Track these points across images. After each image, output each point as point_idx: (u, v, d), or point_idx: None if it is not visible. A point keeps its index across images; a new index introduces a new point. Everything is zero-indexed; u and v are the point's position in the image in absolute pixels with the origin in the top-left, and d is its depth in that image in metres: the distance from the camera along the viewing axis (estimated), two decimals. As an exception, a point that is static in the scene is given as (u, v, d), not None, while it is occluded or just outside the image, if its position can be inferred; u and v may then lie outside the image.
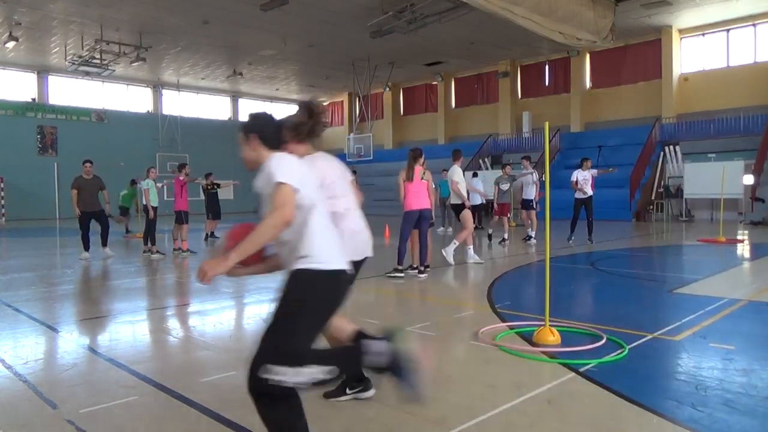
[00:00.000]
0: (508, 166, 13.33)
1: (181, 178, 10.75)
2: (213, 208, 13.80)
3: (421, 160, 7.36)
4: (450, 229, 15.40)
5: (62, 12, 18.79)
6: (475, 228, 16.03)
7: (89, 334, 4.67)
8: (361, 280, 7.33)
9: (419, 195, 7.23)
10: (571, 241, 11.35)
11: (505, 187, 12.60)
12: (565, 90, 25.79)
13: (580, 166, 11.62)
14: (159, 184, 11.16)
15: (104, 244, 10.16)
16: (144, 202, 10.76)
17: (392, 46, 22.63)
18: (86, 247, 9.85)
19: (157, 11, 18.77)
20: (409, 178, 7.24)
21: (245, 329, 5.00)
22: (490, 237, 12.48)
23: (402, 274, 7.27)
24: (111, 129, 28.69)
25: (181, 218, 10.51)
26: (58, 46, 22.80)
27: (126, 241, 13.62)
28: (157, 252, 10.27)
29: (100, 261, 9.71)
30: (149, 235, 10.34)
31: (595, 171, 11.92)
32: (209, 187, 13.79)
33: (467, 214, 8.54)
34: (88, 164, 10.15)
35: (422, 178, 7.29)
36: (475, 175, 16.03)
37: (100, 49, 21.56)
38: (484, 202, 15.49)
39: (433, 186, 7.70)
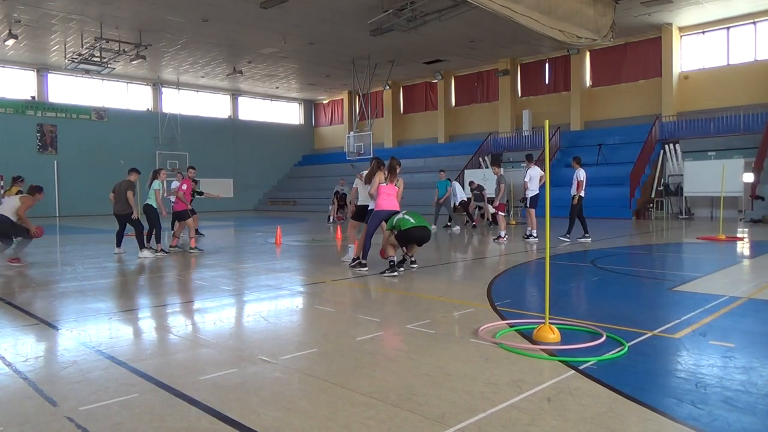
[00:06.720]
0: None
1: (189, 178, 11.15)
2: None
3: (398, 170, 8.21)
4: (457, 227, 15.40)
5: (62, 10, 18.77)
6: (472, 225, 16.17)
7: (89, 331, 4.67)
8: (361, 279, 7.35)
9: (392, 197, 7.97)
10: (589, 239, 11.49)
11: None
12: (565, 88, 25.78)
13: (577, 166, 11.66)
14: (173, 189, 11.28)
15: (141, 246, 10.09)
16: (146, 202, 10.84)
17: (392, 44, 22.62)
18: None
19: (157, 9, 18.76)
20: (387, 181, 7.98)
21: (245, 327, 5.00)
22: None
23: (366, 269, 7.82)
24: (111, 127, 28.72)
25: (188, 214, 10.67)
26: (57, 44, 22.79)
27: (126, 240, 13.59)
28: (161, 251, 10.31)
29: (100, 260, 9.72)
30: (154, 234, 10.53)
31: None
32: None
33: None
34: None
35: (395, 184, 8.08)
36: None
37: (99, 47, 21.55)
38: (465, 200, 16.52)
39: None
